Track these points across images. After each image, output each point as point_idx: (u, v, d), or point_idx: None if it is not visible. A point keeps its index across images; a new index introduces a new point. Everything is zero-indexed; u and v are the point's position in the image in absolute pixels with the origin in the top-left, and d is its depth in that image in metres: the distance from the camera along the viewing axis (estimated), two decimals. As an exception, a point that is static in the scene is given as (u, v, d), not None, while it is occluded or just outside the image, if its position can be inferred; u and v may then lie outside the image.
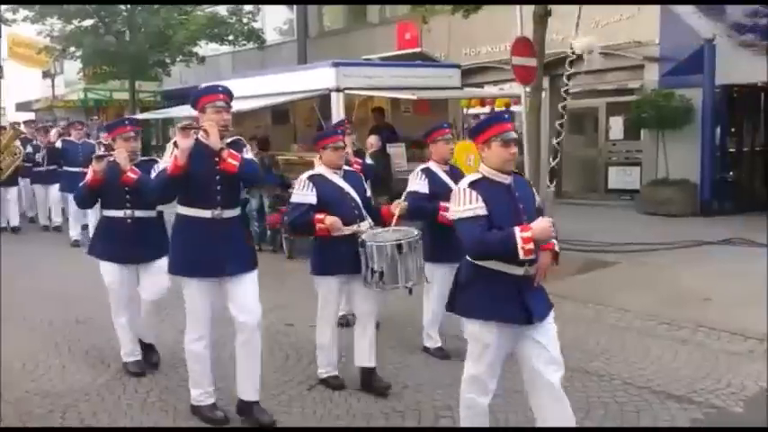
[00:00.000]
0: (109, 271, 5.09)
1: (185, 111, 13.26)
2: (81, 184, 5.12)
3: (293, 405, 4.52)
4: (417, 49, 15.78)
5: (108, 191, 4.99)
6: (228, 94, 4.21)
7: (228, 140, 4.18)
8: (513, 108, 15.22)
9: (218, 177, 4.10)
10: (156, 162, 4.89)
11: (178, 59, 19.45)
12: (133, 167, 4.89)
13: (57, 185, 11.64)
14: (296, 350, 5.54)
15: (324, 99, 9.63)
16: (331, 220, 4.52)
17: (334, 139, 4.78)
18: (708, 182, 12.45)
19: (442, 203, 4.84)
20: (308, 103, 10.48)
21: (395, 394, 4.65)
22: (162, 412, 4.46)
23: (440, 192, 5.09)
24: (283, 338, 5.84)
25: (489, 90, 15.21)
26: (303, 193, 4.67)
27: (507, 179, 3.51)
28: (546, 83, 12.10)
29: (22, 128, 13.47)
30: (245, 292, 4.19)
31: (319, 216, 4.56)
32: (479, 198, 3.39)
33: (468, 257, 3.52)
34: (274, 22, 21.52)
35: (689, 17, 12.28)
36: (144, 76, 20.46)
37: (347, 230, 4.54)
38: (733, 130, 13.59)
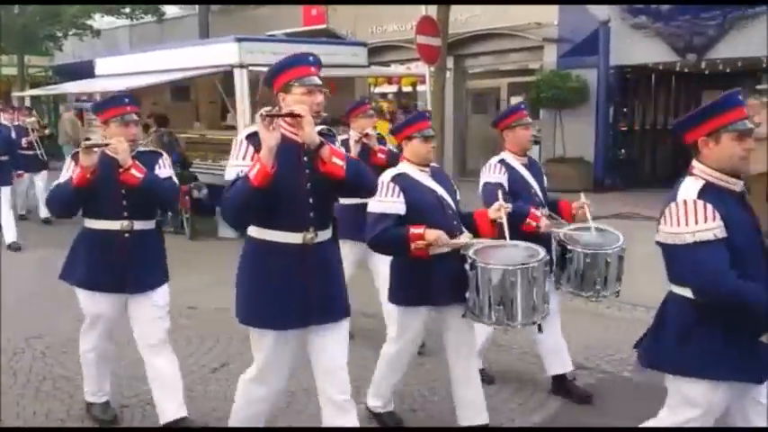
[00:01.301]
0: (96, 303, 3.76)
1: (79, 87, 12.76)
2: (59, 183, 3.64)
3: (195, 389, 4.44)
4: (323, 26, 15.64)
5: (99, 194, 3.60)
6: (320, 66, 3.03)
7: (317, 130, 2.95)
8: (420, 88, 15.42)
9: (309, 186, 2.95)
10: (161, 155, 3.87)
11: (71, 33, 18.50)
12: (137, 163, 3.62)
13: None
14: (198, 334, 5.43)
15: (227, 76, 9.40)
16: (434, 235, 3.32)
17: (423, 126, 3.63)
18: (601, 160, 13.05)
19: (533, 208, 4.03)
20: (209, 80, 10.20)
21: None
22: (57, 401, 4.29)
23: (519, 190, 4.12)
24: (185, 321, 5.71)
25: (396, 69, 15.27)
26: (388, 201, 3.46)
27: (738, 185, 2.62)
28: (450, 63, 12.27)
29: None
30: (334, 353, 3.09)
31: (416, 231, 3.34)
32: (716, 214, 2.49)
33: (678, 291, 2.66)
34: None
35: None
36: (34, 51, 19.38)
37: (452, 245, 3.41)
38: (625, 109, 14.26)
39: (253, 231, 3.02)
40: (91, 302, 3.78)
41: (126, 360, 4.83)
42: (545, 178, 4.45)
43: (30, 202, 11.39)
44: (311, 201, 2.95)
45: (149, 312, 3.79)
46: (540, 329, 3.48)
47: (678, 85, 15.23)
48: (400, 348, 3.74)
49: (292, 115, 2.82)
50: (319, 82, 2.97)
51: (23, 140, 10.44)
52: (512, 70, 15.10)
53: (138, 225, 3.71)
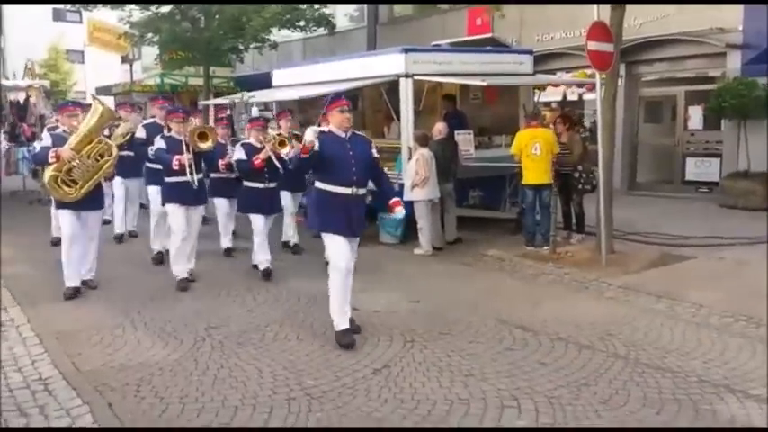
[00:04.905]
0: None
1: (258, 96, 13.59)
2: None
3: (358, 388, 4.56)
4: (488, 35, 15.54)
5: None
6: None
7: None
8: (587, 96, 14.90)
9: None
10: None
11: (251, 46, 19.75)
12: None
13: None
14: (361, 335, 5.56)
15: (392, 85, 9.61)
16: None
17: None
18: (791, 175, 11.88)
19: None
20: (376, 90, 10.47)
21: (460, 381, 4.63)
22: (232, 389, 4.56)
23: None
24: (349, 322, 5.88)
25: (562, 76, 14.86)
26: None
27: None
28: (622, 70, 11.72)
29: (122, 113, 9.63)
30: None
31: None
32: None
33: None
34: (345, 8, 21.60)
35: (777, 2, 11.69)
36: (218, 63, 20.86)
37: None
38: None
39: None
40: None
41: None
42: None
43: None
44: None
45: None
46: None
47: None
48: None
49: None
50: None
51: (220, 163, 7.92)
52: (689, 78, 14.17)
53: None
